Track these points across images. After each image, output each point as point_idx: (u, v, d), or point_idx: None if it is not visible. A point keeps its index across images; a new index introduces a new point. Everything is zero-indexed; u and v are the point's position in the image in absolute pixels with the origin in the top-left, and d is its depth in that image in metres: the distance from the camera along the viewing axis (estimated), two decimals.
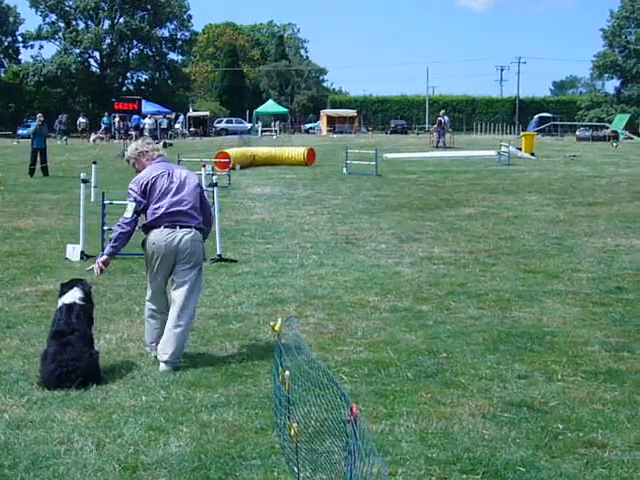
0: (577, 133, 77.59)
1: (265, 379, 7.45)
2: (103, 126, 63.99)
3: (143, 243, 8.38)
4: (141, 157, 8.63)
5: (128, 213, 8.33)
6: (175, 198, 8.22)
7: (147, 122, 64.28)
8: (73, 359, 7.33)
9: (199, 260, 8.32)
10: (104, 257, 8.36)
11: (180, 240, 8.10)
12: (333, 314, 9.96)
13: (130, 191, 8.41)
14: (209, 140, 69.40)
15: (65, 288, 8.08)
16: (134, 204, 8.30)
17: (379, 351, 8.38)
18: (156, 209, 8.21)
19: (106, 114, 65.75)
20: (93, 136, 64.08)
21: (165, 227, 8.14)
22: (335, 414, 5.16)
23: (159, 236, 8.14)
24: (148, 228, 8.32)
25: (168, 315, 8.20)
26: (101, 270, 8.30)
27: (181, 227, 8.16)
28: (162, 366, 7.90)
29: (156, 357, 8.09)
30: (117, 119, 64.53)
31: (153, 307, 8.43)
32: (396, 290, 11.23)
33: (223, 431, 6.31)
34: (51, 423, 6.48)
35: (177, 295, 8.18)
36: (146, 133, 65.12)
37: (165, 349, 7.94)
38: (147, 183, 8.30)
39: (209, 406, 6.82)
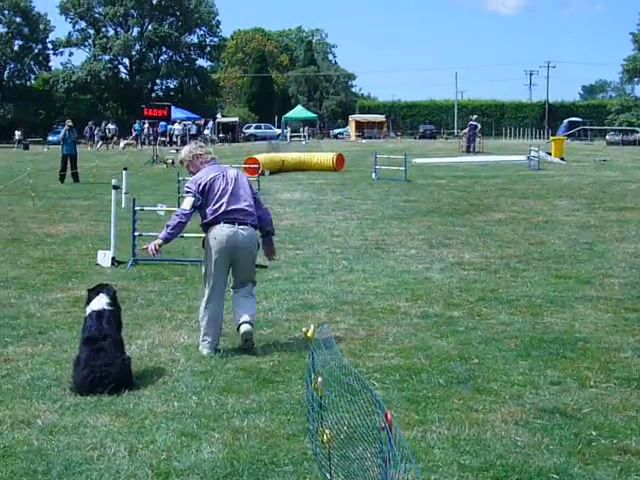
0: (607, 137, 77.20)
1: (297, 385, 7.44)
2: (135, 132, 64.07)
3: (204, 242, 9.04)
4: (195, 160, 9.32)
5: (187, 205, 8.92)
6: (233, 198, 8.89)
7: (176, 128, 64.52)
8: (106, 365, 7.40)
9: (254, 254, 9.17)
10: (159, 241, 8.86)
11: (239, 236, 8.79)
12: (364, 320, 9.94)
13: (188, 188, 9.05)
14: (238, 146, 69.54)
15: (92, 294, 8.23)
16: (192, 199, 8.88)
17: (410, 357, 8.36)
18: (216, 209, 8.83)
19: (137, 121, 65.80)
20: (123, 142, 64.21)
21: (225, 223, 8.78)
22: (368, 420, 5.15)
23: (220, 232, 8.77)
24: (208, 226, 8.91)
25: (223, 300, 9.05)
26: (153, 254, 8.87)
27: (239, 224, 8.83)
28: (244, 327, 8.69)
29: (203, 355, 8.60)
30: (146, 125, 64.74)
31: (213, 307, 8.86)
32: (427, 296, 11.21)
33: (255, 437, 6.31)
34: (84, 429, 6.51)
35: (240, 285, 9.11)
36: (175, 139, 65.70)
37: (243, 313, 8.81)
38: (205, 184, 8.92)
39: (241, 412, 6.83)
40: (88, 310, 8.01)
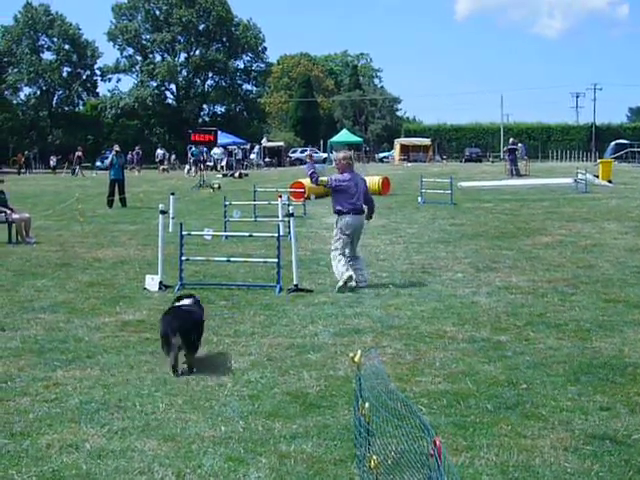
0: None
1: (343, 410, 7.42)
2: (193, 158, 64.00)
3: (337, 222, 14.03)
4: (342, 162, 14.32)
5: (323, 183, 14.34)
6: (355, 198, 13.93)
7: (216, 152, 64.56)
8: (188, 312, 9.36)
9: (363, 230, 14.49)
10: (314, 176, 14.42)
11: (360, 221, 14.10)
12: (410, 344, 9.90)
13: (331, 177, 14.32)
14: (284, 170, 69.78)
15: (176, 301, 9.95)
16: (328, 183, 14.19)
17: (458, 382, 8.32)
18: (346, 204, 13.87)
19: (192, 146, 65.62)
20: (187, 168, 63.88)
21: (353, 214, 13.88)
22: (415, 446, 5.13)
23: (351, 219, 13.86)
24: (342, 213, 13.94)
25: (351, 258, 14.00)
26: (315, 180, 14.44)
27: (359, 214, 14.04)
28: (362, 278, 13.86)
29: (344, 284, 13.42)
30: (192, 150, 64.96)
31: (344, 254, 13.93)
32: (473, 320, 11.15)
33: (302, 462, 6.30)
34: (131, 453, 6.54)
35: (355, 248, 14.23)
36: (221, 163, 65.81)
37: (360, 272, 13.92)
38: (339, 184, 14.03)
39: (288, 437, 6.82)
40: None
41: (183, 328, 8.88)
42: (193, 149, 63.08)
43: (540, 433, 6.84)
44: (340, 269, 13.69)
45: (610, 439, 6.68)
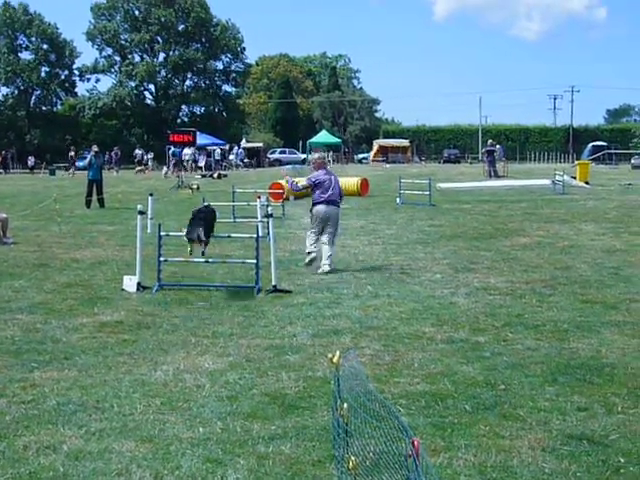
0: (632, 161, 76.68)
1: (322, 411, 7.42)
2: (174, 158, 63.58)
3: (311, 210, 15.94)
4: (318, 162, 16.49)
5: (302, 183, 16.98)
6: (330, 192, 15.76)
7: (187, 153, 64.10)
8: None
9: (338, 221, 16.23)
10: (292, 184, 17.26)
11: (332, 210, 15.84)
12: (389, 345, 9.91)
13: (312, 178, 16.08)
14: (262, 171, 69.74)
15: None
16: (307, 183, 16.25)
17: (436, 383, 8.33)
18: (321, 195, 15.74)
19: (172, 147, 65.03)
20: (164, 169, 63.46)
21: (325, 204, 15.72)
22: (394, 447, 5.13)
23: (322, 207, 15.75)
24: (316, 203, 15.79)
25: (319, 244, 15.80)
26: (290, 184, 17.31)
27: (331, 204, 15.81)
28: (325, 267, 15.48)
29: (311, 260, 15.74)
30: (171, 151, 64.63)
31: (315, 233, 15.80)
32: (452, 321, 11.17)
33: (280, 463, 6.29)
34: (109, 454, 6.51)
35: (326, 237, 15.69)
36: (200, 163, 65.43)
37: (325, 259, 15.56)
38: (317, 179, 15.91)
39: (266, 438, 6.81)
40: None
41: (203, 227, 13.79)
42: (173, 150, 62.86)
43: (518, 433, 6.85)
44: (307, 246, 15.94)
45: (587, 439, 6.71)
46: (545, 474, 6.04)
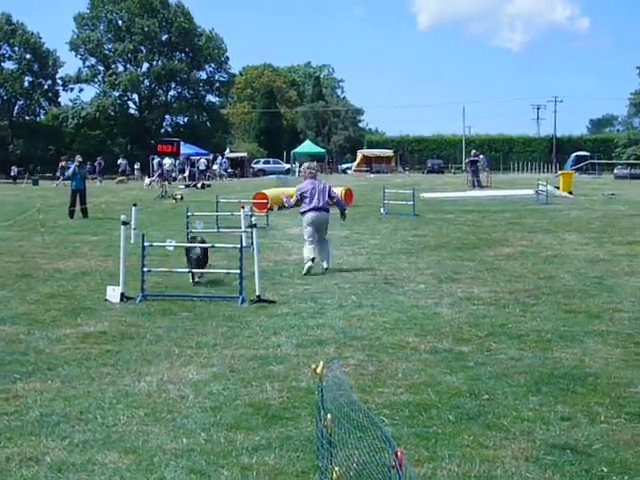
0: (615, 171, 77.11)
1: (306, 421, 7.41)
2: (159, 169, 63.31)
3: (301, 219, 17.37)
4: (306, 173, 17.90)
5: (293, 200, 17.75)
6: (315, 200, 17.02)
7: (167, 163, 63.71)
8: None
9: (327, 226, 17.42)
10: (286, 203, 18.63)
11: (320, 216, 17.07)
12: (373, 355, 9.92)
13: (297, 190, 17.55)
14: (246, 181, 69.72)
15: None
16: (296, 198, 17.46)
17: (420, 393, 8.33)
18: (308, 204, 17.01)
19: (154, 157, 64.38)
20: (147, 180, 63.34)
21: (313, 211, 16.99)
22: (377, 457, 5.13)
23: (310, 214, 17.01)
24: (305, 212, 17.07)
25: (317, 247, 16.90)
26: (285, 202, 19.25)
27: (319, 211, 17.01)
28: (324, 264, 16.80)
29: (310, 268, 16.50)
30: (156, 161, 64.38)
31: (311, 240, 16.86)
32: (436, 331, 11.18)
33: (264, 474, 6.28)
34: (92, 466, 6.48)
35: (321, 241, 17.07)
36: (184, 174, 65.13)
37: (323, 259, 16.87)
38: (305, 190, 17.16)
39: (250, 449, 6.80)
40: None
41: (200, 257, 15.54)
42: (159, 159, 62.72)
43: (502, 443, 6.87)
44: (305, 254, 16.82)
45: (571, 449, 6.72)
46: None
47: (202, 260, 15.56)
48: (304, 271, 16.40)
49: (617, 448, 6.74)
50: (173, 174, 67.38)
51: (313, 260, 16.61)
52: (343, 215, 17.91)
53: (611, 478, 6.15)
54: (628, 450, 6.69)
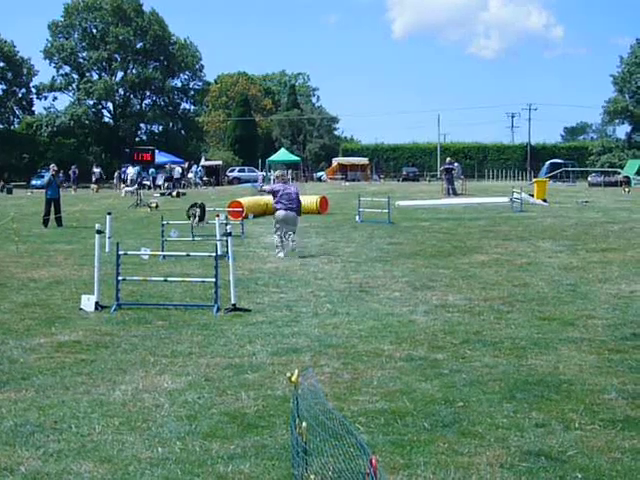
0: (589, 179, 77.59)
1: (281, 430, 7.42)
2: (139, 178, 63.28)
3: (273, 215, 21.77)
4: (278, 179, 23.32)
5: (265, 187, 26.40)
6: (285, 200, 21.08)
7: (130, 172, 63.35)
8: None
9: (296, 222, 21.49)
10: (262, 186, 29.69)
11: (289, 215, 21.04)
12: (348, 363, 9.93)
13: (271, 186, 23.20)
14: (221, 189, 69.63)
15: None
16: (267, 189, 23.36)
17: (395, 401, 8.35)
18: (279, 203, 21.11)
19: (124, 165, 63.91)
20: (125, 189, 63.06)
21: (283, 210, 21.05)
22: (353, 465, 5.14)
23: (280, 212, 21.08)
24: (276, 210, 21.20)
25: (285, 241, 21.17)
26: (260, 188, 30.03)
27: (288, 210, 21.02)
28: (291, 245, 21.16)
29: (280, 253, 20.83)
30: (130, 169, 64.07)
31: (279, 235, 21.13)
32: (411, 339, 11.21)
33: None
34: (67, 475, 6.46)
35: (288, 235, 21.12)
36: (129, 181, 64.22)
37: (289, 243, 21.18)
38: (277, 190, 21.51)
39: (225, 457, 6.80)
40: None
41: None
42: (151, 170, 62.78)
43: (476, 450, 6.89)
44: (275, 242, 21.53)
45: (545, 455, 6.76)
46: None
47: (202, 215, 25.90)
48: (277, 255, 20.93)
49: (591, 454, 6.78)
50: (155, 182, 67.36)
51: (282, 247, 21.09)
52: (299, 213, 22.14)
53: None
54: (602, 456, 6.74)
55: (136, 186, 55.50)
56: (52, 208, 31.62)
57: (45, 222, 31.13)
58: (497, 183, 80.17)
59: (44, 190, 33.80)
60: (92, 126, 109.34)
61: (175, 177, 71.71)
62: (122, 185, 63.93)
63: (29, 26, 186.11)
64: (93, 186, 71.96)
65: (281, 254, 20.85)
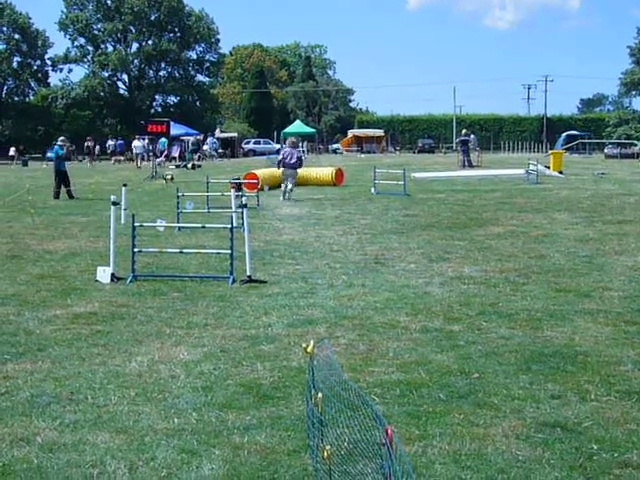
0: (605, 151, 77.31)
1: (297, 401, 7.42)
2: (161, 149, 62.95)
3: (278, 166, 30.67)
4: (290, 142, 31.64)
5: (279, 158, 31.23)
6: (288, 159, 29.72)
7: (136, 145, 62.78)
8: None
9: (294, 176, 30.19)
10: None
11: (290, 171, 29.81)
12: (364, 335, 9.92)
13: (282, 151, 33.26)
14: (237, 161, 69.58)
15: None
16: (280, 158, 30.65)
17: (411, 372, 8.34)
18: (285, 161, 29.80)
19: (163, 138, 63.66)
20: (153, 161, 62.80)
21: (285, 167, 29.75)
22: (368, 436, 5.14)
23: (284, 169, 29.68)
24: (282, 165, 29.98)
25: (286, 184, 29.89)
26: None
27: (290, 167, 29.71)
28: (289, 187, 29.73)
29: (284, 196, 29.32)
30: (146, 141, 63.96)
31: (285, 184, 29.70)
32: (426, 310, 11.19)
33: (256, 453, 6.29)
34: (83, 446, 6.48)
35: (288, 182, 29.76)
36: (138, 154, 63.92)
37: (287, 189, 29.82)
38: (285, 153, 30.43)
39: (241, 428, 6.81)
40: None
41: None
42: (164, 140, 62.58)
43: (492, 422, 6.88)
44: (282, 190, 29.55)
45: (561, 427, 6.74)
46: (519, 461, 6.07)
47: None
48: (282, 198, 29.31)
49: (607, 426, 6.76)
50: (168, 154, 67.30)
51: (285, 194, 29.28)
52: (300, 166, 30.70)
53: (601, 455, 6.17)
54: (618, 428, 6.71)
55: (162, 158, 55.52)
56: (62, 180, 31.77)
57: (56, 194, 31.27)
58: (513, 155, 79.95)
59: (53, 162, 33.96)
60: (107, 98, 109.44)
61: (192, 149, 71.61)
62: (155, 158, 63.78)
63: None
64: (118, 158, 71.79)
65: (281, 198, 29.14)
